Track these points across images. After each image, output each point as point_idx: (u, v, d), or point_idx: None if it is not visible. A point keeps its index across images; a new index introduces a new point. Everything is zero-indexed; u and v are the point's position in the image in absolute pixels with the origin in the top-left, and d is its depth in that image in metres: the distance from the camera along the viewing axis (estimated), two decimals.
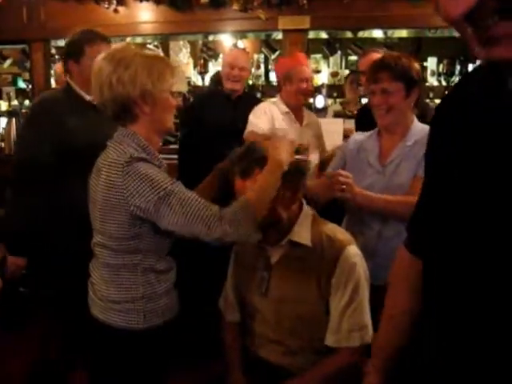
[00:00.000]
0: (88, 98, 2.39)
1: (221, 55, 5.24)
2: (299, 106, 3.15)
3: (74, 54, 2.41)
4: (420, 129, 2.08)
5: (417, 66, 2.10)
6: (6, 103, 5.51)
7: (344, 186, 1.95)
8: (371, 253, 2.00)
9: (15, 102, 5.80)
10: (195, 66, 5.31)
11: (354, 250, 1.73)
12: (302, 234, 1.74)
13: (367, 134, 2.27)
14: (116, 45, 2.07)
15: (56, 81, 3.60)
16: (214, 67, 5.30)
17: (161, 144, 1.86)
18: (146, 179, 1.53)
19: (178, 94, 4.63)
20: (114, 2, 4.32)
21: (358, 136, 2.31)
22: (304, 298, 1.72)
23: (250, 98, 3.52)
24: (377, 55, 2.87)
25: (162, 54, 4.73)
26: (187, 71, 5.18)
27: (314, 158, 2.93)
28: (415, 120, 2.14)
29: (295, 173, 1.71)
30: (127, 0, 4.31)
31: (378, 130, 2.21)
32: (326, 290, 1.70)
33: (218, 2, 4.08)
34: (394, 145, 2.12)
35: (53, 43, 4.81)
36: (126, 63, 1.59)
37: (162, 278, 1.70)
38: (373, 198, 2.02)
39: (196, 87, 5.33)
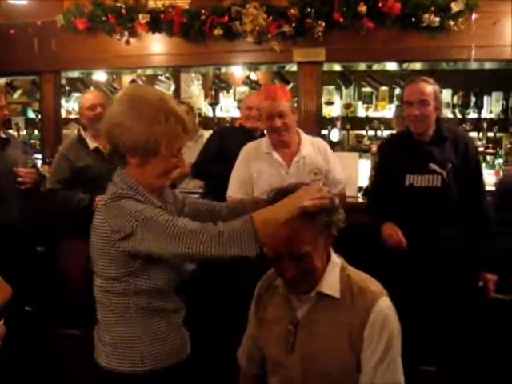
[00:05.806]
0: None
1: (233, 87, 5.17)
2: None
3: None
4: None
5: None
6: (15, 133, 5.43)
7: None
8: None
9: (24, 132, 5.75)
10: (206, 97, 5.25)
11: (386, 302, 1.60)
12: (331, 284, 1.62)
13: None
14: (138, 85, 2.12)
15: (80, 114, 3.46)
16: (224, 98, 5.24)
17: None
18: (123, 211, 1.53)
19: None
20: (126, 33, 4.27)
21: None
22: (334, 353, 1.59)
23: None
24: (426, 85, 2.76)
25: (173, 85, 4.68)
26: (198, 102, 5.11)
27: None
28: None
29: (332, 222, 1.60)
30: (139, 31, 4.26)
31: None
32: (358, 344, 1.57)
33: (231, 34, 4.02)
34: None
35: (63, 74, 4.79)
36: (132, 110, 1.57)
37: (164, 318, 1.66)
38: None
39: (206, 118, 5.26)
